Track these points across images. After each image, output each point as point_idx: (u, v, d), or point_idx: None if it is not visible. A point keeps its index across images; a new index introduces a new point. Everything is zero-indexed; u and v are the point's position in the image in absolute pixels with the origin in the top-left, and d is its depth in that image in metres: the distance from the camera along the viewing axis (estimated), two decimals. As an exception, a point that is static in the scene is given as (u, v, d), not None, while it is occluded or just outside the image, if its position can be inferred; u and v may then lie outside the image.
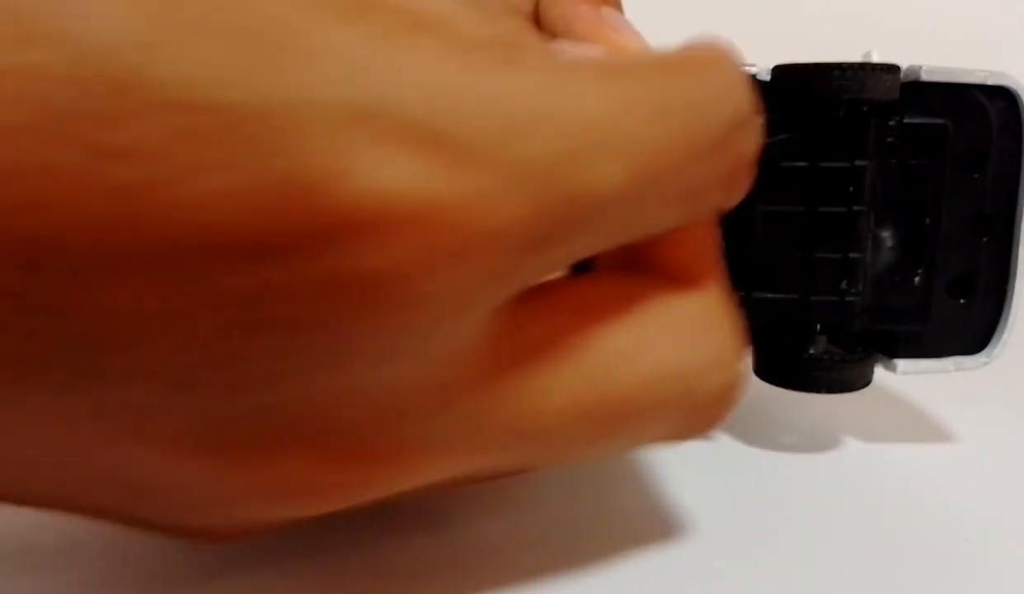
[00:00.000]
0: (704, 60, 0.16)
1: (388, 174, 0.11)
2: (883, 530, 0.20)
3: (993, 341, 0.23)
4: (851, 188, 0.22)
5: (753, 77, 0.23)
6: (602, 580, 0.18)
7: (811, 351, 0.23)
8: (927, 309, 0.23)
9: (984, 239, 0.23)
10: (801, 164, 0.22)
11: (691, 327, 0.17)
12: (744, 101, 0.16)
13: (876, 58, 0.26)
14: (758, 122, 0.17)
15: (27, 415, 0.13)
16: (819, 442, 0.25)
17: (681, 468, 0.23)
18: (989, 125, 0.22)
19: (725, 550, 0.19)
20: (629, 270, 0.17)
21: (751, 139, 0.17)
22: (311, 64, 0.11)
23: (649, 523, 0.20)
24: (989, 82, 0.22)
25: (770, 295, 0.23)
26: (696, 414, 0.17)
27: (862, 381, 0.23)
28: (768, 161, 0.18)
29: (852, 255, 0.23)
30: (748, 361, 0.18)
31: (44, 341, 0.12)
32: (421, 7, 0.13)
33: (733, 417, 0.18)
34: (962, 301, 0.23)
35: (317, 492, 0.14)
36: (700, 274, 0.17)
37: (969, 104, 0.22)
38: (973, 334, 0.24)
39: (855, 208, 0.22)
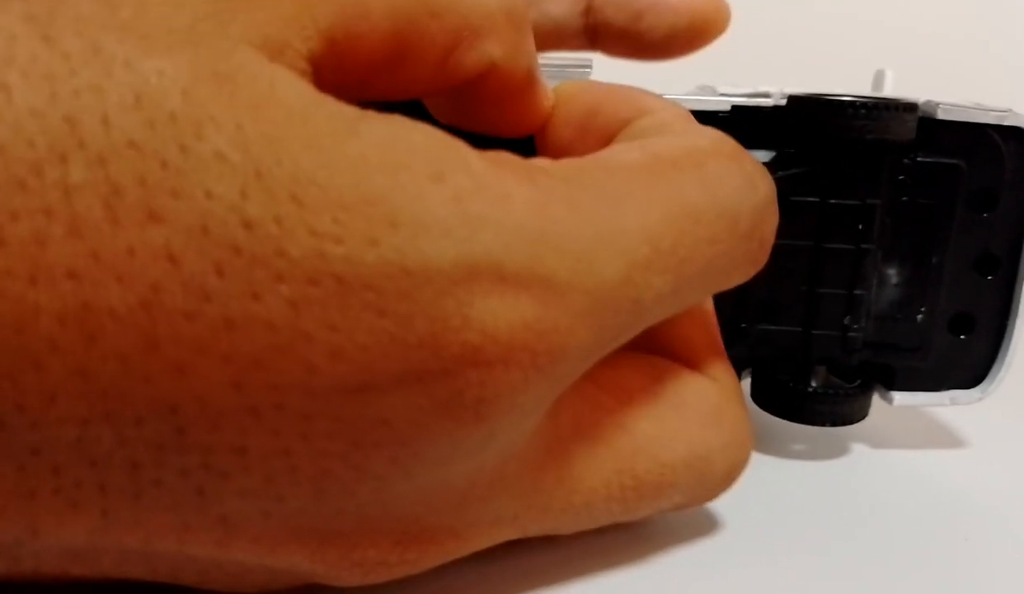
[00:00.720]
0: (728, 153, 0.17)
1: (497, 316, 0.13)
2: (888, 531, 0.21)
3: (990, 377, 0.24)
4: (860, 226, 0.22)
5: (762, 108, 0.22)
6: (628, 576, 0.19)
7: (812, 384, 0.23)
8: (928, 345, 0.23)
9: (988, 277, 0.23)
10: (811, 199, 0.22)
11: (713, 411, 0.18)
12: (765, 188, 0.17)
13: (889, 78, 0.26)
14: (775, 205, 0.18)
15: (137, 527, 0.13)
16: (826, 448, 0.25)
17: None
18: (1002, 165, 0.22)
19: (741, 550, 0.20)
20: (648, 353, 0.18)
21: (772, 221, 0.18)
22: (422, 230, 0.12)
23: (672, 526, 0.20)
24: (1005, 122, 0.22)
25: (772, 327, 0.23)
26: (711, 487, 0.18)
27: (861, 414, 0.24)
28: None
29: (857, 292, 0.22)
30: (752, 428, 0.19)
31: (170, 472, 0.13)
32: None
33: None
34: (962, 337, 0.23)
35: (377, 567, 0.15)
36: (707, 350, 0.19)
37: (983, 143, 0.22)
38: (970, 369, 0.24)
39: (863, 246, 0.22)
